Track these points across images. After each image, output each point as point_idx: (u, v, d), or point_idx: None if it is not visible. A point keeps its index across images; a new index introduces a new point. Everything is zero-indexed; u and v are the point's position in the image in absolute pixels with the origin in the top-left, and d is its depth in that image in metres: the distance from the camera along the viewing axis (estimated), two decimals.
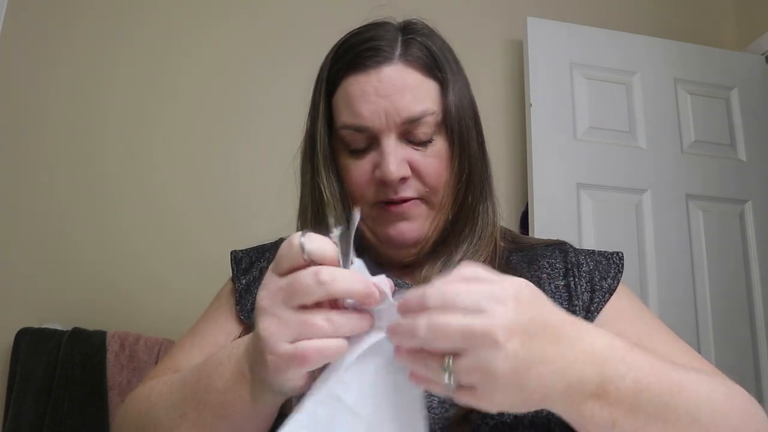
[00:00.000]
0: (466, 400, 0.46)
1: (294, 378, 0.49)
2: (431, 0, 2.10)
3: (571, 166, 1.89)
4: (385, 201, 0.73)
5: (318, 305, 0.49)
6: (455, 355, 0.45)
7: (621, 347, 0.52)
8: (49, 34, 1.78)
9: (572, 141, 1.92)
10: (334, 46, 0.78)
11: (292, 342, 0.48)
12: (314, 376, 0.51)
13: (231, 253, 0.87)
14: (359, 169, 0.74)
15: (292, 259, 0.49)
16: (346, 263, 0.49)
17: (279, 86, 1.86)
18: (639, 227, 1.90)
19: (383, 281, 0.49)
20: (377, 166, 0.72)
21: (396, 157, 0.71)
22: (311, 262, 0.48)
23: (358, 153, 0.74)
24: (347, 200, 0.76)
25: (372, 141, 0.73)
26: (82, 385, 1.45)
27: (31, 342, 1.49)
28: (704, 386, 0.56)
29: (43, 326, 1.53)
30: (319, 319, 0.47)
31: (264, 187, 1.79)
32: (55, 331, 1.52)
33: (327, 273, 0.47)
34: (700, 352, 1.79)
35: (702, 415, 0.53)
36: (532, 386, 0.46)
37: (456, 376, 0.45)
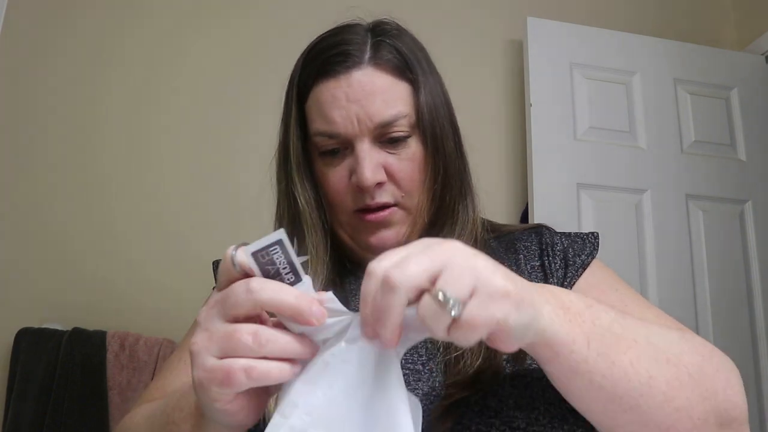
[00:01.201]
0: (475, 312, 0.43)
1: (220, 399, 0.45)
2: (432, 0, 2.12)
3: (571, 166, 1.89)
4: (363, 209, 0.73)
5: (257, 321, 0.46)
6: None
7: (553, 286, 0.54)
8: (47, 35, 1.78)
9: (572, 141, 1.92)
10: (304, 51, 0.78)
11: (220, 357, 0.45)
12: (250, 404, 0.47)
13: (213, 264, 0.87)
14: (336, 176, 0.73)
15: (227, 272, 0.46)
16: (289, 279, 0.45)
17: (280, 89, 1.86)
18: (639, 227, 1.90)
19: (330, 298, 0.46)
20: (353, 172, 0.72)
21: (371, 162, 0.71)
22: (245, 275, 0.45)
23: (334, 159, 0.73)
24: (322, 207, 0.75)
25: (346, 146, 0.73)
26: (82, 385, 1.45)
27: (31, 342, 1.49)
28: (656, 326, 0.58)
29: (43, 326, 1.53)
30: (244, 332, 0.44)
31: (264, 188, 1.78)
32: (55, 331, 1.52)
33: (256, 282, 0.44)
34: None
35: (658, 340, 0.55)
36: (518, 280, 0.47)
37: (452, 293, 0.42)
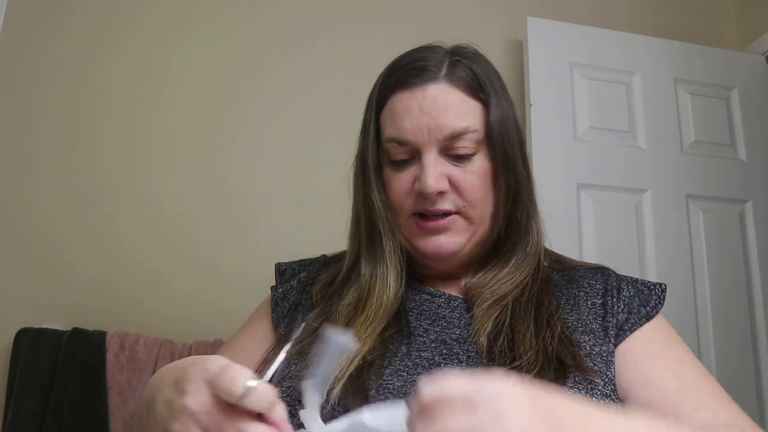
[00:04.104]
0: None
1: None
2: (432, 1, 2.11)
3: (571, 166, 1.89)
4: (423, 213, 0.77)
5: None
6: None
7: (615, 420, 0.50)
8: (46, 36, 1.78)
9: (572, 141, 1.92)
10: (386, 67, 0.83)
11: None
12: None
13: (276, 266, 0.93)
14: (400, 180, 0.78)
15: (229, 392, 0.47)
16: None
17: (279, 87, 1.86)
18: (639, 227, 1.90)
19: None
20: (417, 178, 0.76)
21: (435, 171, 0.75)
22: (244, 408, 0.47)
23: (400, 166, 0.79)
24: (392, 211, 0.80)
25: (414, 155, 0.77)
26: (82, 385, 1.45)
27: (31, 342, 1.49)
28: None
29: (43, 326, 1.53)
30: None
31: (264, 187, 1.79)
32: (55, 331, 1.51)
33: None
34: (699, 352, 1.81)
35: None
36: None
37: None
